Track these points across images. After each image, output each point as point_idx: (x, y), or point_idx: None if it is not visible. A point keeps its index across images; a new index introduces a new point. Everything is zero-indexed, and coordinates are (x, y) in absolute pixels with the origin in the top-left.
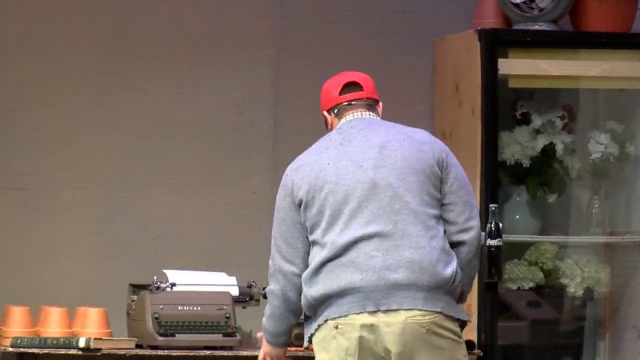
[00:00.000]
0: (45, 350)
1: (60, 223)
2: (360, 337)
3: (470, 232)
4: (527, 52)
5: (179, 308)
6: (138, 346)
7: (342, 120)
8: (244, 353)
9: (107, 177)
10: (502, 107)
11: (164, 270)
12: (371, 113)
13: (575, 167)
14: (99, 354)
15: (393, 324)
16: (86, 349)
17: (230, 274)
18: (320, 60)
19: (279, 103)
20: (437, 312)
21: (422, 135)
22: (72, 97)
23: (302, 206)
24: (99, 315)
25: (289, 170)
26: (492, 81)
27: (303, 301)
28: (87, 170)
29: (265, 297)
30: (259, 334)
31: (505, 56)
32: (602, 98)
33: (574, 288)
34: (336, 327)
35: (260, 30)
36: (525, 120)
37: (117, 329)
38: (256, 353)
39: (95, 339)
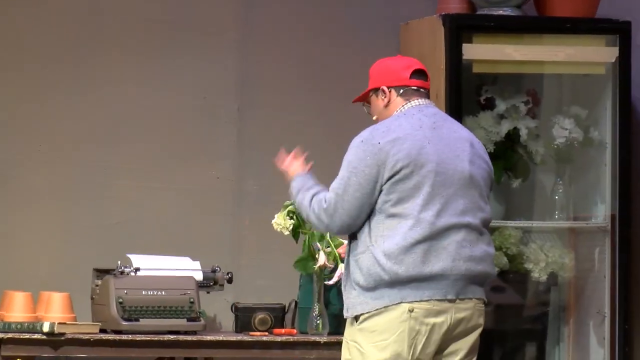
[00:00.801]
0: (10, 335)
1: (25, 208)
2: (434, 324)
3: None
4: (491, 37)
5: (143, 293)
6: (102, 331)
7: (414, 103)
8: (208, 338)
9: (71, 162)
10: (466, 92)
11: (128, 255)
12: (434, 104)
13: (540, 152)
14: (63, 338)
15: (463, 311)
16: (50, 333)
17: (194, 259)
18: (284, 45)
19: (243, 88)
20: (484, 303)
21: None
22: (36, 83)
23: (394, 178)
24: (63, 299)
25: (380, 139)
26: (456, 66)
27: (379, 272)
28: (51, 156)
29: (229, 282)
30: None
31: (470, 41)
32: (567, 83)
33: (538, 273)
34: (410, 311)
35: (225, 15)
36: (490, 105)
37: (81, 314)
38: (220, 338)
39: (59, 323)
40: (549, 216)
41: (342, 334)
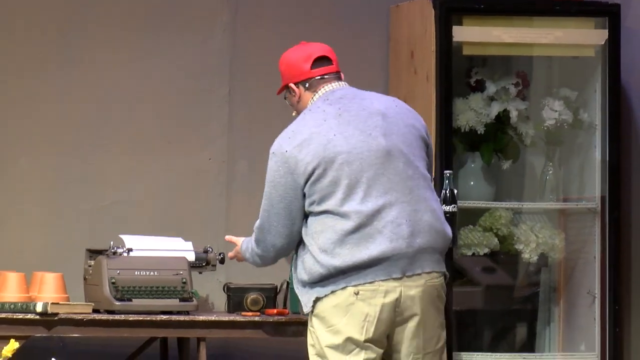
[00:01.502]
0: (3, 315)
1: (18, 189)
2: (383, 304)
3: None
4: (481, 19)
5: (136, 273)
6: (95, 311)
7: (321, 92)
8: (201, 318)
9: (64, 143)
10: (456, 74)
11: (121, 236)
12: (345, 84)
13: (530, 133)
14: (56, 318)
15: (414, 287)
16: (43, 313)
17: (186, 240)
18: (275, 27)
19: (235, 70)
20: (443, 273)
21: (404, 103)
22: (27, 64)
23: (310, 180)
24: (56, 280)
25: (287, 147)
26: (446, 48)
27: (318, 269)
28: (44, 138)
29: (222, 262)
30: (230, 254)
31: (460, 23)
32: (556, 65)
33: (529, 254)
34: (356, 294)
35: None
36: (480, 87)
37: (74, 294)
38: (212, 318)
39: (52, 303)
40: (539, 197)
41: None
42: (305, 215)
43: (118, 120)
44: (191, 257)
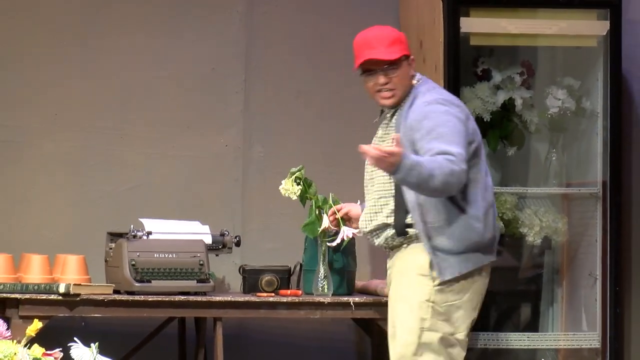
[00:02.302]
0: (27, 296)
1: (41, 174)
2: (486, 284)
3: None
4: (488, 11)
5: (155, 255)
6: (115, 292)
7: (419, 76)
8: (217, 298)
9: (85, 129)
10: (463, 63)
11: (141, 219)
12: None
13: (534, 121)
14: (78, 299)
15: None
16: (66, 294)
17: (203, 223)
18: (290, 16)
19: (251, 58)
20: None
21: None
22: (49, 50)
23: (471, 145)
24: (78, 262)
25: (467, 111)
26: (454, 39)
27: (472, 237)
28: (66, 122)
29: (237, 245)
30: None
31: (467, 15)
32: (560, 55)
33: (533, 237)
34: (486, 273)
35: None
36: (486, 76)
37: (95, 276)
38: (228, 299)
39: (74, 284)
40: (543, 182)
41: (342, 294)
42: None
43: (137, 105)
44: (208, 240)
